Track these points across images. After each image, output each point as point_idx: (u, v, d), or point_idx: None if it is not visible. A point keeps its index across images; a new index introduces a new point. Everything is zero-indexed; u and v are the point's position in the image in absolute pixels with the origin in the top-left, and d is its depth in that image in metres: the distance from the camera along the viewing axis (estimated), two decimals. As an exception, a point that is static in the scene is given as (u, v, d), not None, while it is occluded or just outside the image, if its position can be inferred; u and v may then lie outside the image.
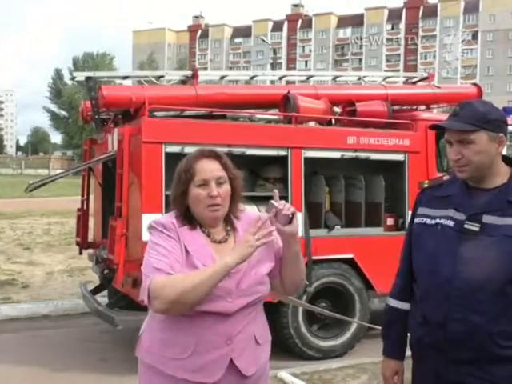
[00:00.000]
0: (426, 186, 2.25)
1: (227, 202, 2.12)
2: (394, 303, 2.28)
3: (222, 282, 2.00)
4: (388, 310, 2.32)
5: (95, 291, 5.98)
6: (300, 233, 5.32)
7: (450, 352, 2.01)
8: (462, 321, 1.95)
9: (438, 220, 2.07)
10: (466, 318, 1.94)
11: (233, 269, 1.98)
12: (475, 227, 1.98)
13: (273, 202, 2.08)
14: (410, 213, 2.43)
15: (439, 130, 2.19)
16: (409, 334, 2.29)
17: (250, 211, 2.31)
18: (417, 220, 2.16)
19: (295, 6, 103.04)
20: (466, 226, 1.99)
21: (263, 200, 5.34)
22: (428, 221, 2.11)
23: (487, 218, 1.98)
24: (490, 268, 1.91)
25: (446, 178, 2.22)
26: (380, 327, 6.12)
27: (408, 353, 2.36)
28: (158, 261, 2.00)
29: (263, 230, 1.99)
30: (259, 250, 2.09)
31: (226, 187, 2.10)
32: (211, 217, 2.10)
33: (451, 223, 2.03)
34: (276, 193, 2.13)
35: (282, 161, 5.35)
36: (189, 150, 4.83)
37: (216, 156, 2.13)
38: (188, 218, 2.12)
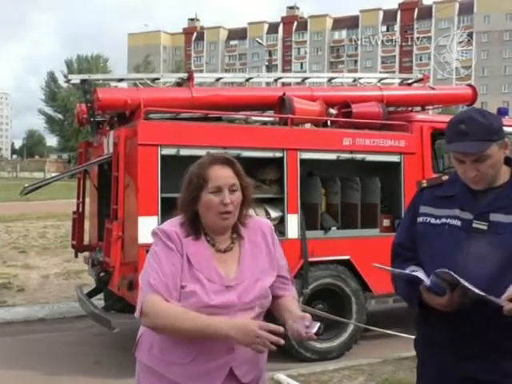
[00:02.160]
0: (424, 185, 2.25)
1: (238, 209, 2.09)
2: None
3: (223, 296, 2.00)
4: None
5: (91, 294, 5.96)
6: (296, 234, 5.32)
7: (461, 348, 2.03)
8: (476, 317, 1.97)
9: (444, 220, 2.09)
10: (479, 315, 1.96)
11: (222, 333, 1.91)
12: (483, 226, 2.01)
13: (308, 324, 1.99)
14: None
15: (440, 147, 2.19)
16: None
17: (256, 217, 2.27)
18: (420, 219, 2.17)
19: (290, 8, 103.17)
20: (474, 225, 2.02)
21: (259, 202, 5.35)
22: (432, 220, 2.12)
23: (494, 217, 2.01)
24: (499, 265, 1.93)
25: (444, 177, 2.23)
26: (377, 329, 6.11)
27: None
28: (155, 276, 1.99)
29: (270, 336, 1.87)
30: (257, 262, 2.10)
31: (238, 195, 2.07)
32: (221, 225, 2.07)
33: (458, 223, 2.05)
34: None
35: (277, 162, 5.35)
36: (184, 152, 4.84)
37: (229, 163, 2.09)
38: (194, 225, 2.08)
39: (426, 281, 1.95)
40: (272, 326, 1.89)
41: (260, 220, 2.27)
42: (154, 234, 2.08)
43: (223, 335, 1.90)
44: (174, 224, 2.09)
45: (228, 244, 2.11)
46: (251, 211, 2.22)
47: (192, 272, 2.02)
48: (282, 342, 1.89)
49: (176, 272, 2.00)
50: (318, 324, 1.94)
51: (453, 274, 1.87)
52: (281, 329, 1.90)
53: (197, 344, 2.00)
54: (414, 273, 2.01)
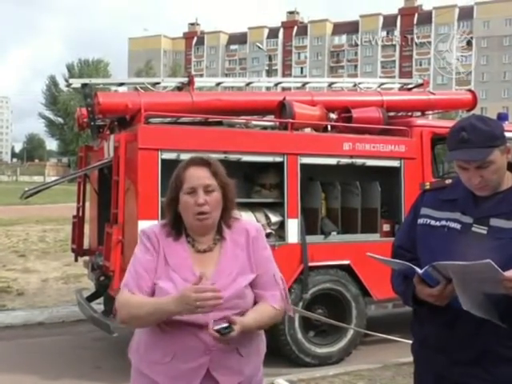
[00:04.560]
0: (427, 187, 2.25)
1: (217, 210, 2.09)
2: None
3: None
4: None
5: (91, 298, 5.95)
6: (296, 239, 5.32)
7: (455, 353, 2.02)
8: (469, 321, 1.96)
9: (444, 222, 2.09)
10: (473, 319, 1.95)
11: (175, 314, 1.96)
12: (483, 230, 2.00)
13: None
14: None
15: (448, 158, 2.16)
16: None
17: (245, 220, 2.27)
18: (420, 221, 2.17)
19: (290, 13, 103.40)
20: (473, 229, 2.02)
21: (259, 206, 5.35)
22: (432, 222, 2.12)
23: (494, 222, 2.00)
24: None
25: (447, 181, 2.23)
26: (376, 334, 6.11)
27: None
28: (128, 276, 2.11)
29: (207, 295, 1.88)
30: (236, 263, 2.10)
31: (216, 195, 2.08)
32: (199, 226, 2.10)
33: (458, 226, 2.05)
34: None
35: (278, 167, 5.35)
36: (185, 156, 4.80)
37: (205, 163, 2.12)
38: (177, 226, 2.12)
39: (419, 270, 1.95)
40: (207, 286, 1.91)
41: (248, 222, 2.27)
42: (139, 235, 2.19)
43: (171, 312, 1.95)
44: (156, 225, 2.19)
45: (209, 245, 2.13)
46: (242, 214, 2.23)
47: (167, 271, 2.07)
48: (221, 301, 1.91)
49: (149, 271, 2.07)
50: (225, 325, 1.93)
51: (454, 262, 1.85)
52: (214, 288, 1.91)
53: (176, 343, 2.03)
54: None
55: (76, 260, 6.53)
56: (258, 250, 2.16)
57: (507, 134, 2.09)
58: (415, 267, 1.96)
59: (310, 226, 5.45)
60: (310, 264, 5.31)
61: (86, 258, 6.37)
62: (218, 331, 1.91)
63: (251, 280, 2.11)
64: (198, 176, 2.08)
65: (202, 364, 2.02)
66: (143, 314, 2.00)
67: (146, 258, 2.09)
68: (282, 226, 5.32)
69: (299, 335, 5.37)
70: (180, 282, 2.04)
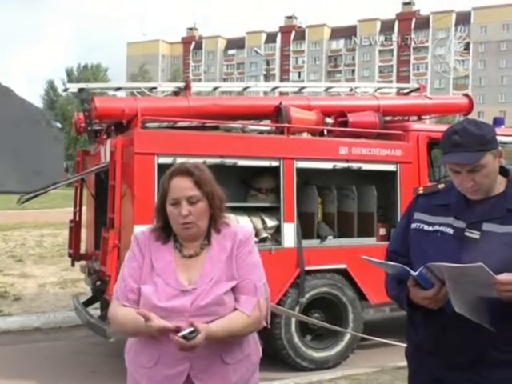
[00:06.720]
0: (421, 192, 2.26)
1: (202, 219, 2.10)
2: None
3: (176, 300, 2.04)
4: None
5: (87, 303, 5.95)
6: (292, 243, 5.32)
7: (449, 357, 2.03)
8: (463, 326, 1.97)
9: (437, 227, 2.10)
10: (467, 323, 1.95)
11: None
12: (475, 235, 2.01)
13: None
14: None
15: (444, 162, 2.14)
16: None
17: (236, 225, 2.26)
18: (413, 225, 2.18)
19: (288, 17, 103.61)
20: (466, 233, 2.03)
21: (255, 210, 5.36)
22: (426, 227, 2.13)
23: (487, 226, 2.01)
24: None
25: (440, 186, 2.24)
26: (373, 338, 6.10)
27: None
28: (118, 285, 2.17)
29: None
30: (219, 268, 2.09)
31: (200, 205, 2.08)
32: (185, 234, 2.12)
33: (451, 231, 2.06)
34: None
35: (274, 171, 5.36)
36: (181, 161, 4.82)
37: (188, 173, 2.09)
38: (166, 232, 2.15)
39: (413, 272, 1.94)
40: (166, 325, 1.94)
41: (238, 227, 2.25)
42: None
43: (152, 334, 1.99)
44: (147, 228, 2.22)
45: (195, 250, 2.14)
46: (238, 218, 2.26)
47: (152, 275, 2.10)
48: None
49: (135, 277, 2.11)
50: (190, 330, 1.91)
51: (447, 264, 1.85)
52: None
53: (160, 349, 2.05)
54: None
55: (73, 265, 6.52)
56: (241, 255, 2.13)
57: (503, 138, 2.10)
58: (410, 269, 1.96)
59: (306, 230, 5.45)
60: (307, 268, 5.32)
61: (83, 262, 6.36)
62: (183, 337, 1.90)
63: (231, 287, 2.09)
64: (181, 187, 2.07)
65: (182, 371, 2.04)
66: (128, 332, 2.12)
67: (133, 265, 2.14)
68: (278, 230, 5.32)
69: (296, 339, 5.36)
70: (162, 286, 2.07)
